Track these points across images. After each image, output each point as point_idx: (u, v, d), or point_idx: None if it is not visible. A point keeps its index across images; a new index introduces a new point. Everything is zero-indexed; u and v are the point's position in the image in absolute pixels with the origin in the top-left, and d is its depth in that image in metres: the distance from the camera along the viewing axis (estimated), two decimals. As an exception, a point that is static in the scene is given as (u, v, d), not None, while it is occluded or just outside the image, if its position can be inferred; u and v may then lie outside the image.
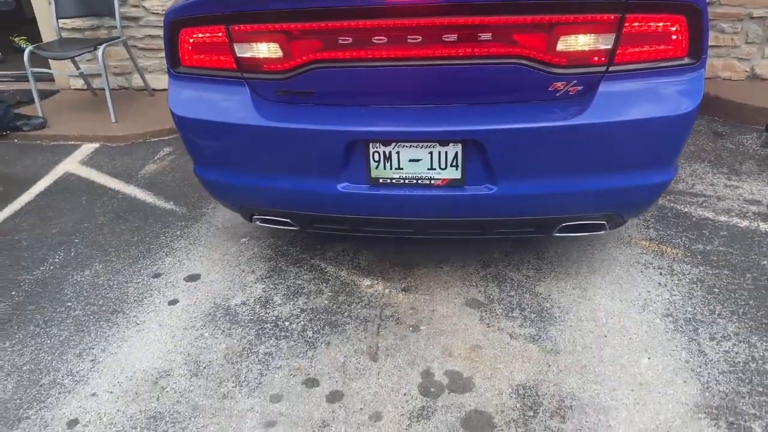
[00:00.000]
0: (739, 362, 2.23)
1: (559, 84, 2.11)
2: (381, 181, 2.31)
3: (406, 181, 2.30)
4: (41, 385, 2.31)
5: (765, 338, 2.33)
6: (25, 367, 2.40)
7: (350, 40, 2.10)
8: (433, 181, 2.29)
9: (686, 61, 2.08)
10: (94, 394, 2.26)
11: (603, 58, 2.07)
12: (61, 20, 4.99)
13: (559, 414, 2.05)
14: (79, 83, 5.48)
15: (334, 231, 2.68)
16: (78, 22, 5.17)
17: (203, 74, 2.34)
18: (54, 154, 4.45)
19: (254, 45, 2.21)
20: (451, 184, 2.28)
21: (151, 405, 2.20)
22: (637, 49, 2.06)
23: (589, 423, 2.02)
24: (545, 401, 2.11)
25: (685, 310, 2.49)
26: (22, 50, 4.71)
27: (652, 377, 2.18)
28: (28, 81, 4.73)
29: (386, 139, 2.23)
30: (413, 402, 2.14)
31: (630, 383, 2.16)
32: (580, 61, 2.08)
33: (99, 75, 5.19)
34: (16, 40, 6.25)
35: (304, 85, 2.23)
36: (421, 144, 2.22)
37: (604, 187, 2.24)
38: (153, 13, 5.06)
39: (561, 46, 2.05)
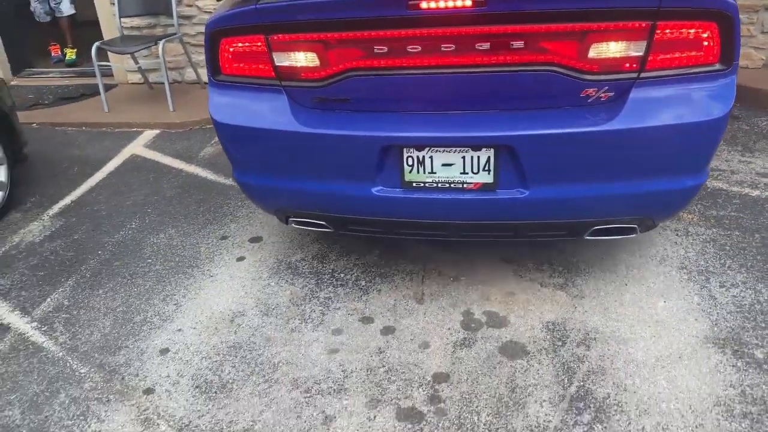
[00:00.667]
0: (745, 305, 2.51)
1: (590, 90, 2.13)
2: (414, 185, 2.35)
3: (439, 185, 2.33)
4: (134, 323, 2.69)
5: (770, 286, 2.62)
6: (118, 309, 2.79)
7: (385, 49, 2.16)
8: (465, 185, 2.32)
9: (717, 67, 2.09)
10: (179, 330, 2.63)
11: (634, 65, 2.09)
12: (122, 19, 5.44)
13: (584, 344, 2.37)
14: (137, 77, 5.93)
15: (369, 233, 2.74)
16: (136, 21, 5.61)
17: (242, 82, 2.41)
18: (120, 139, 4.88)
19: (292, 54, 2.29)
20: (484, 188, 2.31)
21: (230, 337, 2.56)
22: (668, 56, 2.08)
23: (611, 351, 2.32)
24: (572, 334, 2.42)
25: (699, 264, 2.78)
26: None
27: (667, 316, 2.48)
28: (86, 77, 5.16)
29: (419, 144, 2.28)
30: (456, 335, 2.47)
31: (647, 321, 2.46)
32: (611, 68, 2.10)
33: (155, 69, 5.66)
34: (68, 54, 6.72)
35: (340, 93, 2.29)
36: (453, 149, 2.26)
37: (635, 192, 2.27)
38: (205, 12, 5.48)
39: (593, 53, 2.07)
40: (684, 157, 2.23)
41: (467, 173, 2.29)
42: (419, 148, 2.28)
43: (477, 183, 2.30)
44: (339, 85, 2.26)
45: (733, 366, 2.21)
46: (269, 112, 2.38)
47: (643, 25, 2.03)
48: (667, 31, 2.03)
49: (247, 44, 2.33)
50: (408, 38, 2.13)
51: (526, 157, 2.19)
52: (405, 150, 2.29)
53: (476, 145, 2.23)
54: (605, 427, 2.00)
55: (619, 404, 2.09)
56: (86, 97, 5.71)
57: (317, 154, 2.38)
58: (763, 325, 2.40)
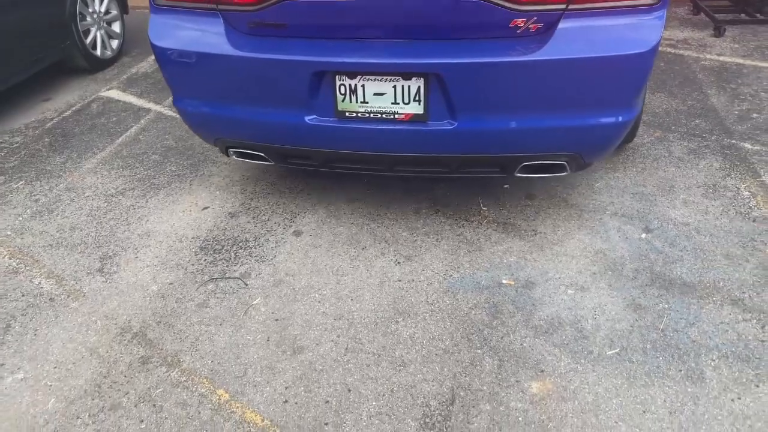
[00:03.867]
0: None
1: (519, 21, 2.15)
2: (347, 114, 2.40)
3: (371, 115, 2.38)
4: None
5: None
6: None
7: None
8: (397, 116, 2.36)
9: (648, 0, 2.14)
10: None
11: None
12: None
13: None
14: None
15: (307, 167, 2.82)
16: None
17: (181, 7, 2.47)
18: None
19: None
20: (415, 119, 2.36)
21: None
22: None
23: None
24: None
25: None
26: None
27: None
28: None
29: (351, 71, 2.31)
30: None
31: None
32: None
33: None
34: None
35: (275, 17, 2.31)
36: (384, 78, 2.30)
37: (562, 125, 2.30)
38: None
39: None
40: (611, 90, 2.26)
41: (398, 103, 2.34)
42: (351, 76, 2.32)
43: (408, 114, 2.35)
44: (273, 10, 2.29)
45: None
46: (206, 37, 2.43)
47: None
48: None
49: None
50: None
51: (454, 87, 2.23)
52: (338, 77, 2.33)
53: (406, 73, 2.27)
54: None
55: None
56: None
57: (251, 80, 2.41)
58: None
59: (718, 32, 5.23)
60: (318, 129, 2.44)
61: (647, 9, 2.17)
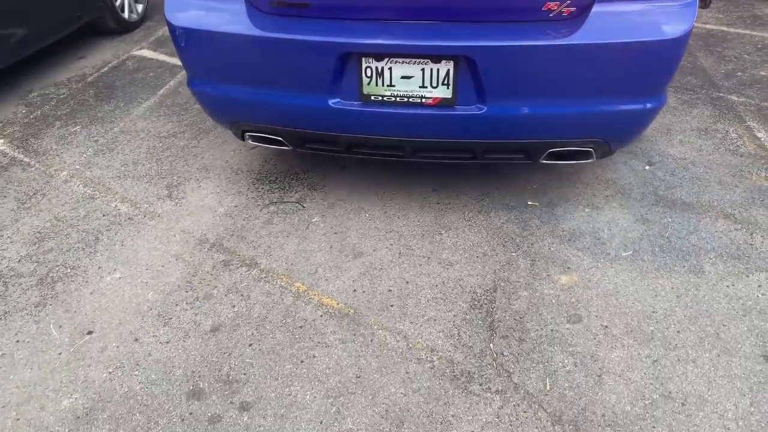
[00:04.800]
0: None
1: (552, 4, 2.10)
2: (373, 98, 2.31)
3: (398, 99, 2.30)
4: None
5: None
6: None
7: None
8: (424, 100, 2.30)
9: None
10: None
11: None
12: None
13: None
14: None
15: (326, 152, 2.69)
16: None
17: None
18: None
19: None
20: (443, 103, 2.29)
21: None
22: None
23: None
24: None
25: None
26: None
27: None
28: None
29: (378, 53, 2.22)
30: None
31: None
32: None
33: None
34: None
35: None
36: (413, 60, 2.22)
37: (592, 111, 2.27)
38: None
39: None
40: (643, 76, 2.23)
41: (426, 87, 2.27)
42: (378, 58, 2.23)
43: (436, 98, 2.29)
44: None
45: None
46: (225, 16, 2.32)
47: None
48: None
49: None
50: None
51: (485, 71, 2.18)
52: (364, 60, 2.24)
53: (436, 56, 2.21)
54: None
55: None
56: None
57: (273, 61, 2.31)
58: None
59: (705, 4, 5.64)
60: (342, 113, 2.35)
61: None
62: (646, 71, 2.23)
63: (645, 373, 2.11)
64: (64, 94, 4.36)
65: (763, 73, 4.29)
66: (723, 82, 4.18)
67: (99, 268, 2.66)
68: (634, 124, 2.42)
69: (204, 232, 2.86)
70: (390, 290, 2.49)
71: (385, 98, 2.32)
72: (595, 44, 2.12)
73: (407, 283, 2.53)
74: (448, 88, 2.26)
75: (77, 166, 3.42)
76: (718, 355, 2.16)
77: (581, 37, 2.11)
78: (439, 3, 2.20)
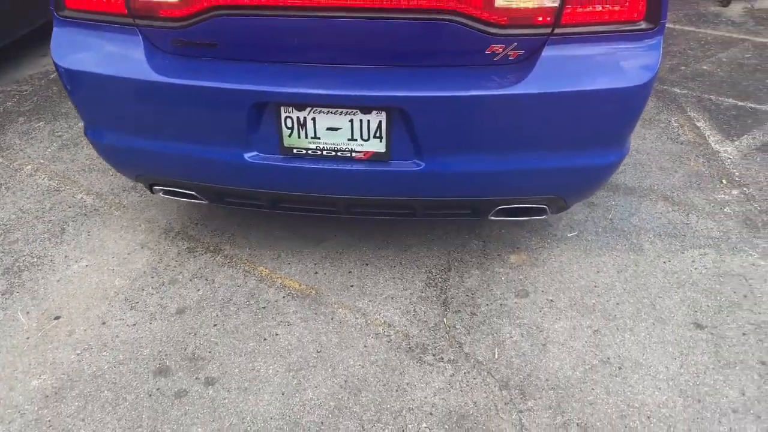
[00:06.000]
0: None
1: (497, 47, 1.84)
2: (295, 151, 2.04)
3: (324, 152, 2.03)
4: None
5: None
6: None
7: None
8: (354, 154, 2.02)
9: (642, 25, 1.83)
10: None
11: (548, 18, 1.79)
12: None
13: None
14: None
15: (249, 207, 2.44)
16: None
17: (91, 19, 2.02)
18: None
19: None
20: (375, 158, 2.02)
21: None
22: (587, 9, 1.79)
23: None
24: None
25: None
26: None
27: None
28: None
29: (299, 103, 1.93)
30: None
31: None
32: (522, 21, 1.80)
33: None
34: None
35: (205, 36, 1.92)
36: (340, 110, 1.95)
37: (545, 167, 2.01)
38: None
39: (501, 1, 1.77)
40: (601, 128, 1.97)
41: (356, 140, 2.00)
42: (299, 108, 1.95)
43: (367, 152, 2.02)
44: (203, 26, 1.90)
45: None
46: (121, 57, 2.01)
47: None
48: None
49: None
50: None
51: (422, 124, 1.91)
52: (283, 109, 1.96)
53: (366, 107, 1.93)
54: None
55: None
56: None
57: (179, 110, 2.03)
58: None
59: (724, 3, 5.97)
60: (260, 167, 2.07)
61: (643, 35, 1.86)
62: (605, 123, 1.97)
63: (586, 342, 2.27)
64: (26, 90, 4.38)
65: (705, 67, 4.54)
66: (667, 75, 4.40)
67: (66, 257, 2.73)
68: (593, 179, 2.16)
69: (169, 222, 2.94)
70: (350, 272, 2.61)
71: (309, 152, 2.05)
72: (546, 93, 1.85)
73: (366, 265, 2.65)
74: (381, 141, 1.99)
75: (42, 161, 3.47)
76: (653, 324, 2.34)
77: (530, 85, 1.84)
78: (366, 44, 1.90)
